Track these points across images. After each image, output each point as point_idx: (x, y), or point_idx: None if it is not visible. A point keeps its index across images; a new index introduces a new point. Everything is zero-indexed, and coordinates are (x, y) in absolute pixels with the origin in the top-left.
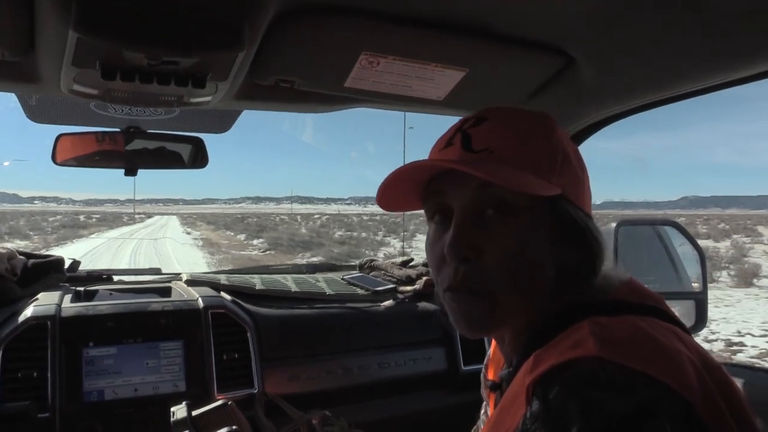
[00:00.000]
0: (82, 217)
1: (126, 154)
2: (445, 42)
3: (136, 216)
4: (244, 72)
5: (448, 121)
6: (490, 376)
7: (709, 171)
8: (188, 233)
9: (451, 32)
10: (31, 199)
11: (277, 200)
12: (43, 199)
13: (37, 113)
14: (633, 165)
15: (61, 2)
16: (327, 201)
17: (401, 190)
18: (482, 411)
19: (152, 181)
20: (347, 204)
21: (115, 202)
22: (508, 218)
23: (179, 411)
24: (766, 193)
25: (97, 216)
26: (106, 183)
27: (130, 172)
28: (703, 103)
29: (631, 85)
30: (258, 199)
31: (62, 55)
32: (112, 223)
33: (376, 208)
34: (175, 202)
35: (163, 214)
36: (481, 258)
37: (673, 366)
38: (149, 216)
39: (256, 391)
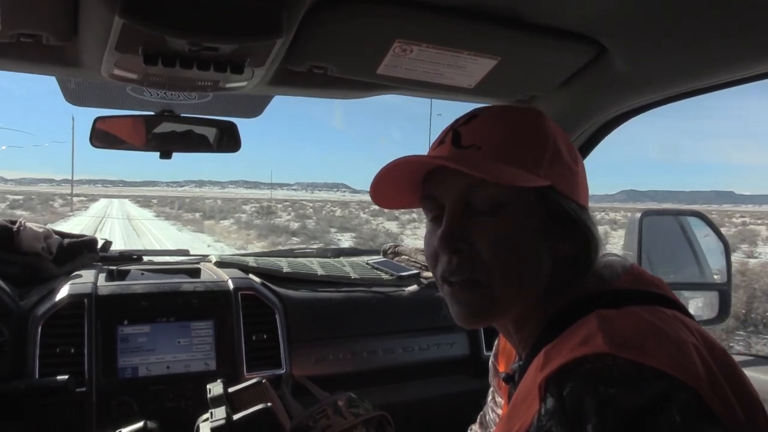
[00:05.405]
0: None
1: (157, 136)
2: (479, 30)
3: (75, 200)
4: (279, 58)
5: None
6: (501, 368)
7: (648, 167)
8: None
9: (485, 21)
10: None
11: (222, 184)
12: None
13: (75, 96)
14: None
15: None
16: (273, 186)
17: (398, 187)
18: (489, 398)
19: (88, 161)
20: (294, 190)
21: (50, 181)
22: (498, 211)
23: (215, 388)
24: (697, 189)
25: (18, 197)
26: (41, 162)
27: (165, 155)
28: None
29: (662, 75)
30: (201, 183)
31: (105, 41)
32: (35, 212)
33: (331, 195)
34: (115, 183)
35: (107, 197)
36: (472, 249)
37: (680, 357)
38: (93, 199)
39: (283, 372)
